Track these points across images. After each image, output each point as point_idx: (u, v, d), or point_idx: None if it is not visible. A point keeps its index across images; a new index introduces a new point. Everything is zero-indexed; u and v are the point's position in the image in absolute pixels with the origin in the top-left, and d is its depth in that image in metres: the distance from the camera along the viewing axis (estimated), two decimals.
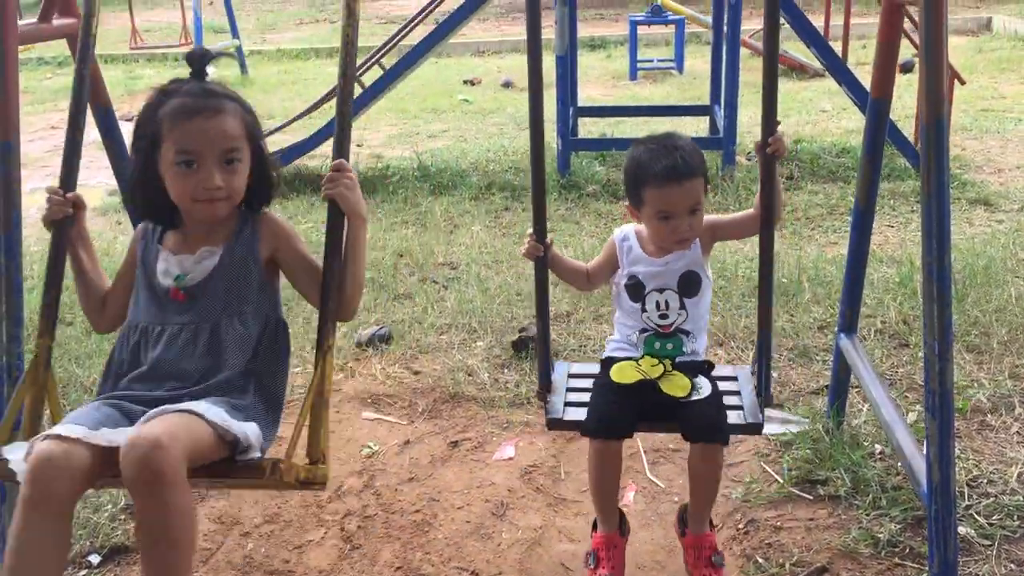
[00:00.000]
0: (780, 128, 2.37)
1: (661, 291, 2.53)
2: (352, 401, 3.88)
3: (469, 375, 4.02)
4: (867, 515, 2.92)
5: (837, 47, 8.46)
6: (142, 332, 2.14)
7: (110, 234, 6.65)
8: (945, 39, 2.14)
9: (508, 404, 3.77)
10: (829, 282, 4.78)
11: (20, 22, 2.46)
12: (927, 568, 2.67)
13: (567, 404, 2.63)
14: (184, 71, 2.18)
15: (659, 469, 3.35)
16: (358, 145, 8.76)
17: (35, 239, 5.50)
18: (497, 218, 6.37)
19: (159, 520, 1.78)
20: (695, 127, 8.63)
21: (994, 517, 2.90)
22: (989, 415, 3.51)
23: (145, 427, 1.81)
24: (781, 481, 3.15)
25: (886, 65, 2.66)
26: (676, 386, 2.44)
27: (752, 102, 8.84)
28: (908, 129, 7.61)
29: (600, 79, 12.38)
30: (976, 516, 2.89)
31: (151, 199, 2.15)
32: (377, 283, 5.01)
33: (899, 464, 3.15)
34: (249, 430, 1.97)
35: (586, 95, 10.32)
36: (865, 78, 7.99)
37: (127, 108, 10.02)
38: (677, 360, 2.52)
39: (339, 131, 2.22)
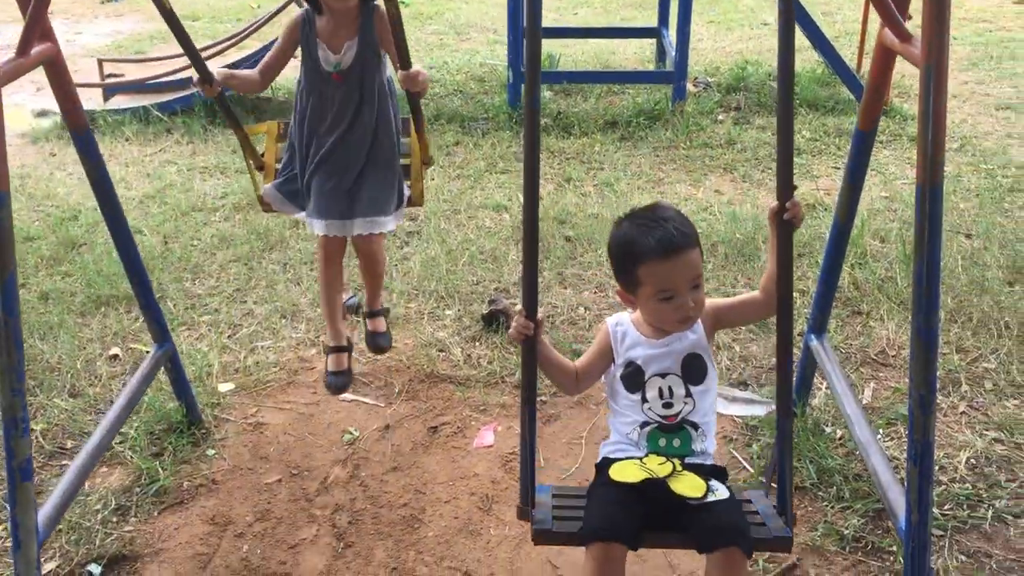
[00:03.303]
0: (797, 192, 2.23)
1: (664, 376, 2.27)
2: None
3: (441, 351, 4.09)
4: (832, 508, 3.13)
5: None
6: (317, 97, 3.27)
7: (45, 169, 6.43)
8: (944, 104, 2.20)
9: (483, 384, 3.87)
10: None
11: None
12: (888, 565, 2.91)
13: (556, 519, 2.26)
14: None
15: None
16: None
17: None
18: (449, 156, 6.33)
19: (375, 264, 3.65)
20: (639, 52, 8.56)
21: (946, 507, 3.13)
22: (938, 394, 3.72)
23: (363, 246, 3.54)
24: (751, 470, 3.34)
25: (873, 103, 2.72)
26: (689, 486, 2.13)
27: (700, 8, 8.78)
28: (849, 49, 7.66)
29: None
30: None
31: None
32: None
33: (859, 452, 3.35)
34: (403, 203, 3.49)
35: None
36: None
37: None
38: (686, 461, 2.24)
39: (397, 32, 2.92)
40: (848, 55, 7.66)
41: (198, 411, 3.63)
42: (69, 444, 3.56)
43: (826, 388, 3.72)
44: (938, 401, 3.68)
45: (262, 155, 3.61)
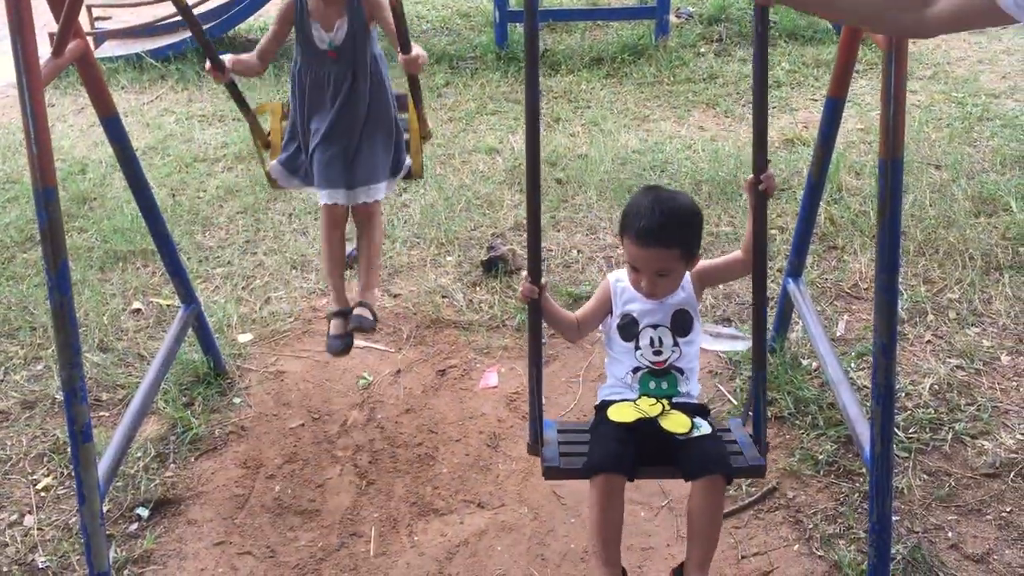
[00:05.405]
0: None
1: (655, 327, 2.55)
2: None
3: (444, 297, 4.37)
4: (807, 435, 3.45)
5: None
6: (314, 75, 3.50)
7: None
8: (904, 88, 2.45)
9: (485, 328, 4.16)
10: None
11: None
12: (858, 487, 3.25)
13: (562, 455, 2.55)
14: None
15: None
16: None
17: None
18: (440, 97, 6.51)
19: (371, 233, 3.66)
20: None
21: (911, 430, 3.46)
22: (905, 324, 4.03)
23: (362, 211, 3.61)
24: (735, 403, 3.66)
25: (843, 73, 2.95)
26: (676, 423, 2.43)
27: None
28: None
29: None
30: (895, 431, 3.43)
31: None
32: None
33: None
34: (401, 172, 3.71)
35: None
36: None
37: None
38: (674, 401, 2.52)
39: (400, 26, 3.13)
40: None
41: (223, 363, 3.91)
42: (104, 396, 3.84)
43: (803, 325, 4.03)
44: (905, 331, 3.99)
45: (268, 134, 3.80)
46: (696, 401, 2.59)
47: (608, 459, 2.41)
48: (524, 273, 2.59)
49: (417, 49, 3.32)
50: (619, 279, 2.65)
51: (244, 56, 3.60)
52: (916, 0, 1.80)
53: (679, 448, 2.44)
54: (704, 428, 2.47)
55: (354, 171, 3.53)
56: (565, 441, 2.62)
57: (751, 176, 2.52)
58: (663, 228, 2.44)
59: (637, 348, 2.56)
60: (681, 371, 2.57)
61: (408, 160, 3.73)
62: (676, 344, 2.56)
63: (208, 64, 3.45)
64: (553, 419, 2.82)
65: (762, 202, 2.50)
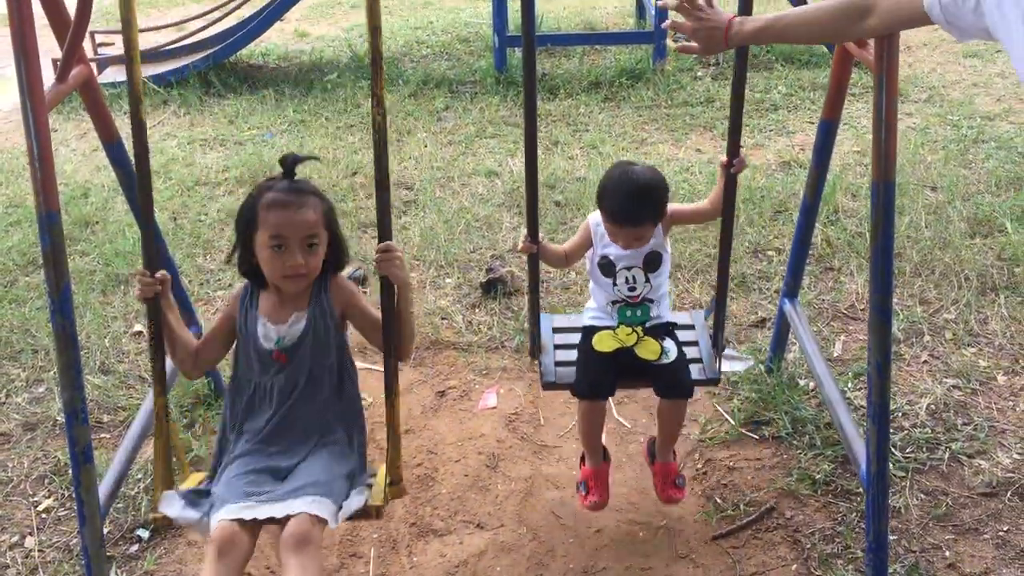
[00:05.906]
0: (743, 151, 2.92)
1: (629, 268, 2.95)
2: None
3: (444, 319, 4.40)
4: (805, 455, 3.47)
5: None
6: (255, 388, 2.59)
7: None
8: (895, 112, 2.48)
9: (485, 349, 4.19)
10: (761, 199, 5.21)
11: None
12: (855, 506, 3.26)
13: (557, 364, 3.11)
14: None
15: (624, 410, 3.84)
16: (280, 19, 8.65)
17: None
18: (440, 121, 6.56)
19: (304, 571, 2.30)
20: (620, 7, 8.72)
21: (908, 450, 3.48)
22: (902, 345, 4.06)
23: (292, 527, 2.32)
24: (732, 423, 3.67)
25: (836, 96, 2.99)
26: (648, 350, 2.94)
27: None
28: None
29: None
30: (893, 451, 3.46)
31: (249, 269, 2.59)
32: (339, 210, 5.23)
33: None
34: (354, 503, 2.48)
35: None
36: None
37: None
38: (647, 325, 3.00)
39: (380, 215, 2.48)
40: None
41: (223, 384, 3.92)
42: (105, 418, 3.85)
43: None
44: (902, 351, 4.01)
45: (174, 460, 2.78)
46: (665, 320, 3.06)
47: (591, 388, 2.96)
48: (524, 232, 2.96)
49: (393, 244, 2.47)
50: (599, 223, 2.99)
51: (180, 324, 2.65)
52: (857, 14, 2.27)
53: (653, 369, 2.95)
54: (672, 352, 2.96)
55: (286, 482, 2.46)
56: (560, 344, 3.19)
57: (725, 158, 2.90)
58: (635, 211, 2.83)
59: (615, 285, 2.99)
60: (652, 300, 3.01)
61: (367, 495, 2.54)
62: (648, 280, 2.98)
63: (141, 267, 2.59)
64: (549, 315, 3.35)
65: (731, 179, 2.91)
